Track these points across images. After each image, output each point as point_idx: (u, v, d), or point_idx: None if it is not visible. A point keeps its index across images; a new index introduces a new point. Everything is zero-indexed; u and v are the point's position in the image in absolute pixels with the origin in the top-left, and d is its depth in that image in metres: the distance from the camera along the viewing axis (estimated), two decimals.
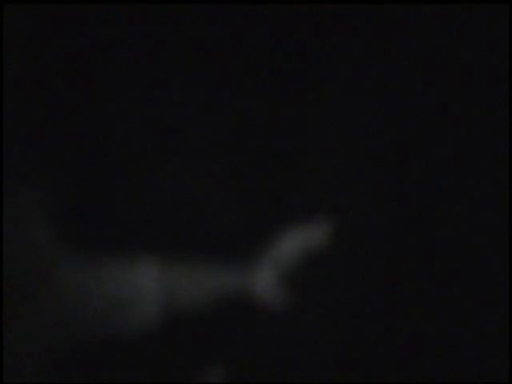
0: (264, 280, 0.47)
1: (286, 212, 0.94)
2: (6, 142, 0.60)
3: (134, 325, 0.69)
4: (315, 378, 1.32)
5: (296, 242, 0.84)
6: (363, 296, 1.49)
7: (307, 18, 1.48)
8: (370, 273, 1.51)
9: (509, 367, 1.15)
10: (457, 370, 1.31)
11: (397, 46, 1.46)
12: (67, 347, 0.61)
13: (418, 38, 1.45)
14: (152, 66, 1.54)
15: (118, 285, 0.67)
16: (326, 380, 1.32)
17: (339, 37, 1.48)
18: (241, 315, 0.96)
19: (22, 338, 0.53)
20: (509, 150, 1.33)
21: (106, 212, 1.44)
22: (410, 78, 1.46)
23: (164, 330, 0.72)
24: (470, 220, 1.43)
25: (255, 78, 1.54)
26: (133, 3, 1.41)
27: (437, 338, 1.40)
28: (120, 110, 1.53)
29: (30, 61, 1.31)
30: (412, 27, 1.44)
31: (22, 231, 0.57)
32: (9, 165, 0.59)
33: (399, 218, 1.51)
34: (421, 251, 1.48)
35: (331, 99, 1.53)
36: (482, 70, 1.40)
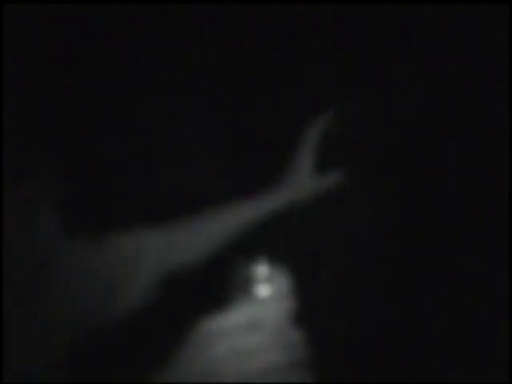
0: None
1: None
2: (6, 139, 0.60)
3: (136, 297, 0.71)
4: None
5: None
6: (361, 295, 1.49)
7: (307, 18, 1.48)
8: (368, 273, 1.51)
9: (509, 367, 1.15)
10: (457, 370, 1.31)
11: (397, 46, 1.46)
12: (76, 329, 0.62)
13: (418, 37, 1.45)
14: (152, 65, 1.54)
15: (120, 260, 0.69)
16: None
17: (339, 36, 1.49)
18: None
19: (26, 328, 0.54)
20: (509, 149, 1.33)
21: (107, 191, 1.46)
22: (410, 77, 1.46)
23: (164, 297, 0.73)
24: (470, 220, 1.43)
25: (255, 76, 1.55)
26: (133, 3, 1.41)
27: (437, 338, 1.41)
28: (119, 107, 1.53)
29: (30, 61, 1.32)
30: (412, 27, 1.44)
31: (21, 221, 0.58)
32: (8, 160, 0.59)
33: (399, 218, 1.51)
34: (420, 250, 1.48)
35: (330, 100, 1.53)
36: (482, 69, 1.40)
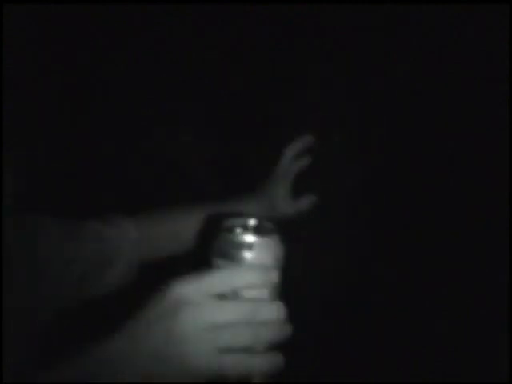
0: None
1: None
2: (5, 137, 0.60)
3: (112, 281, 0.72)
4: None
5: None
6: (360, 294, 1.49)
7: (307, 18, 1.48)
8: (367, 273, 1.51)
9: (509, 367, 1.15)
10: (457, 370, 1.31)
11: (397, 46, 1.46)
12: (53, 309, 0.63)
13: (418, 37, 1.45)
14: (151, 64, 1.54)
15: (97, 246, 0.70)
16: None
17: (339, 36, 1.49)
18: None
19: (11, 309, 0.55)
20: (509, 149, 1.33)
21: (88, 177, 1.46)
22: (410, 77, 1.46)
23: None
24: (470, 220, 1.43)
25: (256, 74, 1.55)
26: (133, 3, 1.41)
27: (437, 338, 1.40)
28: (119, 107, 1.54)
29: (30, 61, 1.32)
30: (412, 27, 1.44)
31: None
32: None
33: (399, 218, 1.51)
34: (419, 250, 1.48)
35: (330, 99, 1.53)
36: (482, 69, 1.40)
